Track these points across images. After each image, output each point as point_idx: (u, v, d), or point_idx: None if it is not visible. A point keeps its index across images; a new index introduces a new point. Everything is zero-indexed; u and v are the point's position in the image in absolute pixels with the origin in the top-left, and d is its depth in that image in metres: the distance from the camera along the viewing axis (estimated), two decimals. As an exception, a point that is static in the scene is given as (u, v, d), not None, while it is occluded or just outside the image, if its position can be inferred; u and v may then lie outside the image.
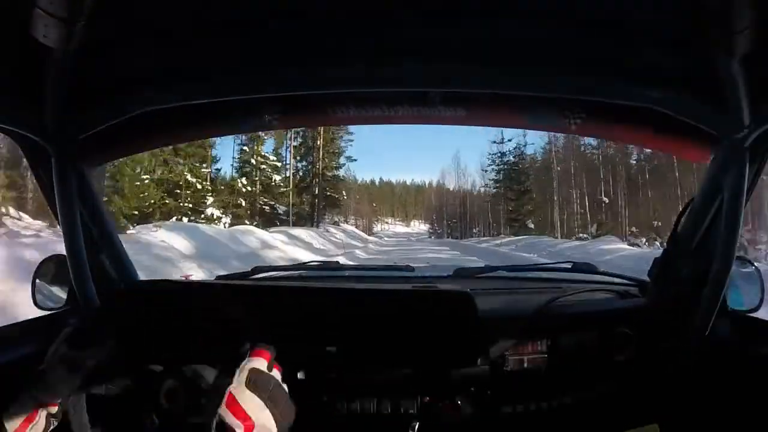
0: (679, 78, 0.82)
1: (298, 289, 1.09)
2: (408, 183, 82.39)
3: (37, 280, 1.09)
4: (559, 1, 0.78)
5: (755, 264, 1.04)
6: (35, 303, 1.07)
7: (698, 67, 0.79)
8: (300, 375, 0.96)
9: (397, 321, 0.96)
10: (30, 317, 1.02)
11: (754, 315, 0.97)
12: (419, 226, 65.85)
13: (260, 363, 0.69)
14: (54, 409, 0.76)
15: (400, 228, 66.91)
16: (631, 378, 1.03)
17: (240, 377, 0.67)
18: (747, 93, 0.77)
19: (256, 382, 0.67)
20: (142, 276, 1.20)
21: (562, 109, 1.01)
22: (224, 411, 0.64)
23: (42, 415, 0.75)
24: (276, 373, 0.70)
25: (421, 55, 0.81)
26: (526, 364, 1.01)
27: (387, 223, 68.14)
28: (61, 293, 1.07)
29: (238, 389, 0.65)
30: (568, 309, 1.09)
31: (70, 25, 0.67)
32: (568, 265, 1.30)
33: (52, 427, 0.76)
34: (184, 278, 1.21)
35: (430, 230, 50.33)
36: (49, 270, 1.10)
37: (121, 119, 0.89)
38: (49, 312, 1.06)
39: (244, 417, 0.63)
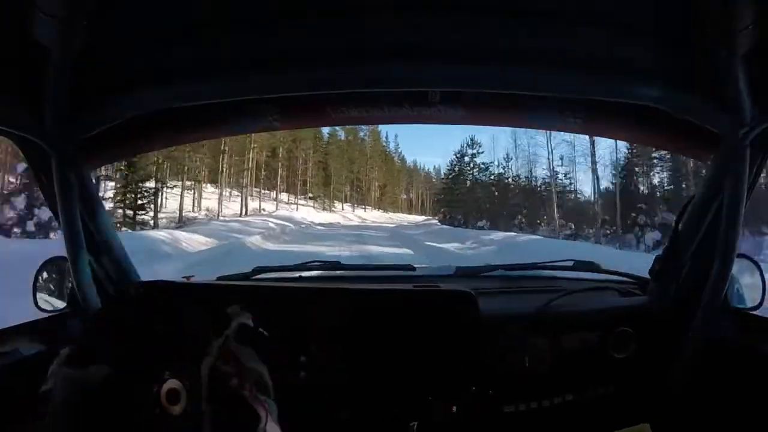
0: (680, 76, 0.82)
1: (299, 289, 1.08)
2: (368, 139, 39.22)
3: (38, 282, 1.08)
4: (560, 1, 0.77)
5: (757, 261, 1.03)
6: (36, 305, 1.06)
7: (699, 65, 0.79)
8: (302, 374, 0.95)
9: (400, 321, 0.96)
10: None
11: (756, 312, 0.97)
12: (398, 219, 34.39)
13: (245, 317, 0.72)
14: None
15: (368, 215, 34.28)
16: (633, 376, 1.03)
17: (227, 330, 0.69)
18: (748, 91, 0.77)
19: (244, 334, 0.70)
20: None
21: (563, 108, 1.01)
22: (217, 361, 0.66)
23: None
24: (261, 330, 0.73)
25: (421, 55, 0.81)
26: (527, 363, 1.01)
27: (334, 210, 33.65)
28: (62, 295, 1.07)
29: (228, 341, 0.68)
30: (570, 308, 1.08)
31: (70, 25, 0.67)
32: (570, 264, 1.30)
33: None
34: (185, 279, 1.21)
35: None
36: (50, 271, 1.09)
37: (121, 120, 0.89)
38: (50, 314, 1.05)
39: (237, 364, 0.66)
